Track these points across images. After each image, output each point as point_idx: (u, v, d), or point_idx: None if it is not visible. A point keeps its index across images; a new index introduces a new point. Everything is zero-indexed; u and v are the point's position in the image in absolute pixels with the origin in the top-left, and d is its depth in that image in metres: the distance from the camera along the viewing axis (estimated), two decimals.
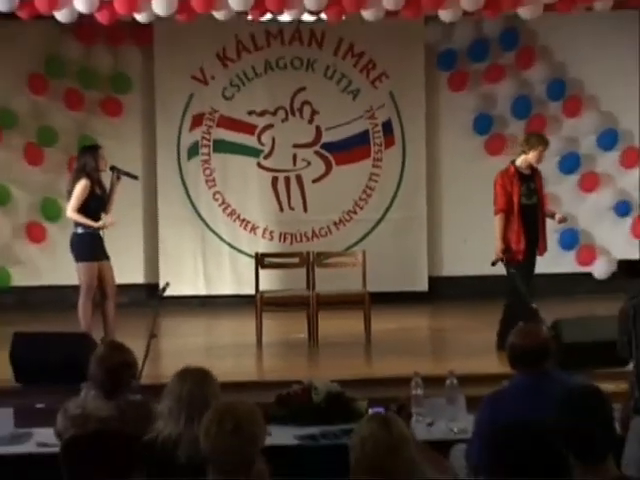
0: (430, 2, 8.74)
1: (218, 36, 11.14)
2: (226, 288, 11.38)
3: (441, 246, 11.62)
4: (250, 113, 11.36)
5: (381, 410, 4.77)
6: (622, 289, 5.78)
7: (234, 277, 11.33)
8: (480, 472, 4.54)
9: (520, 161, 8.50)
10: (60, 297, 10.34)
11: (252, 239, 11.35)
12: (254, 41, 11.33)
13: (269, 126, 11.38)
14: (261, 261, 9.67)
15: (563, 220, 8.98)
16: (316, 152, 11.41)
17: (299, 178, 11.42)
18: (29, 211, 11.37)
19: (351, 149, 11.38)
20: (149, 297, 10.74)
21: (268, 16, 9.45)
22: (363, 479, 3.38)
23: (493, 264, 8.30)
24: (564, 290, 10.73)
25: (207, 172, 11.41)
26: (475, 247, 10.79)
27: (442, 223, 11.60)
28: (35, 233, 11.35)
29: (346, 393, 5.91)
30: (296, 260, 9.68)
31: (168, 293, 7.81)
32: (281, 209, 11.44)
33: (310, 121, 11.38)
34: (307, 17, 9.65)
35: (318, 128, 11.39)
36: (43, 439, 5.35)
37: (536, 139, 8.60)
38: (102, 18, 8.75)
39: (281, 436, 5.34)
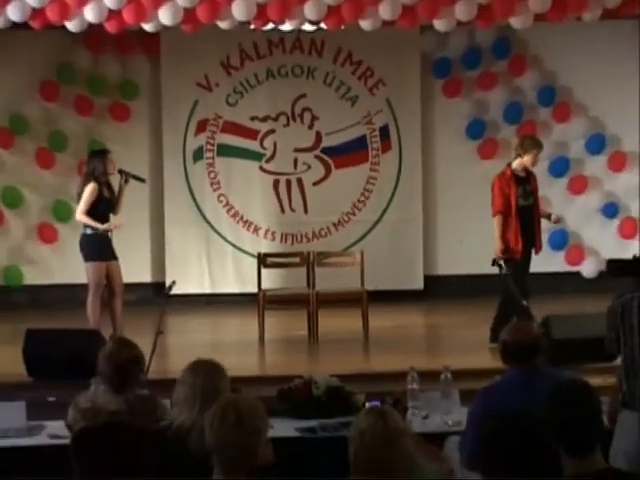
0: (425, 12, 8.79)
1: (222, 45, 11.22)
2: (230, 287, 11.44)
3: (436, 246, 11.64)
4: (253, 119, 11.45)
5: (378, 404, 4.77)
6: (609, 288, 5.71)
7: (238, 276, 11.39)
8: (473, 462, 4.43)
9: (516, 164, 8.56)
10: (71, 295, 10.39)
11: (255, 240, 11.43)
12: (257, 50, 11.41)
13: (271, 131, 11.48)
14: (263, 261, 9.73)
15: (558, 220, 9.08)
16: (316, 156, 11.50)
17: (300, 181, 11.51)
18: (41, 213, 11.43)
19: (350, 153, 11.45)
20: (156, 295, 10.82)
21: (270, 26, 9.52)
22: (362, 471, 3.44)
23: (493, 263, 8.18)
24: (554, 288, 10.73)
25: (211, 175, 11.48)
26: (469, 247, 10.94)
27: (437, 224, 11.63)
28: (47, 234, 11.41)
29: (345, 387, 5.91)
30: (297, 260, 9.74)
31: (174, 291, 7.79)
32: (282, 211, 11.54)
33: (310, 126, 11.48)
34: (307, 27, 9.74)
35: (318, 133, 11.47)
36: (55, 431, 5.36)
37: (530, 143, 8.65)
38: (111, 28, 8.85)
39: (283, 429, 5.32)
